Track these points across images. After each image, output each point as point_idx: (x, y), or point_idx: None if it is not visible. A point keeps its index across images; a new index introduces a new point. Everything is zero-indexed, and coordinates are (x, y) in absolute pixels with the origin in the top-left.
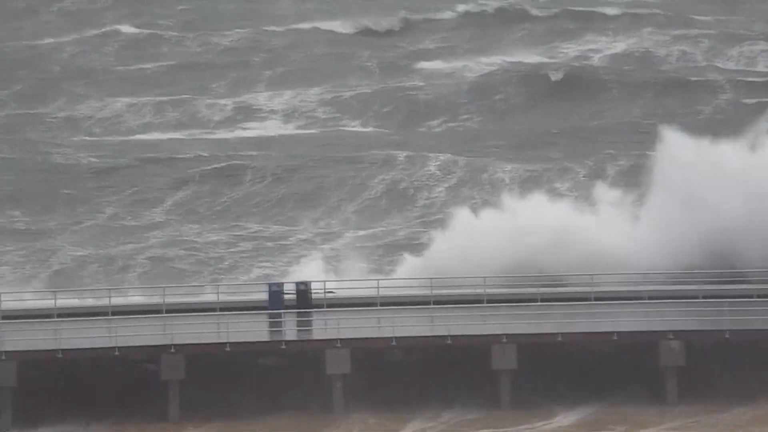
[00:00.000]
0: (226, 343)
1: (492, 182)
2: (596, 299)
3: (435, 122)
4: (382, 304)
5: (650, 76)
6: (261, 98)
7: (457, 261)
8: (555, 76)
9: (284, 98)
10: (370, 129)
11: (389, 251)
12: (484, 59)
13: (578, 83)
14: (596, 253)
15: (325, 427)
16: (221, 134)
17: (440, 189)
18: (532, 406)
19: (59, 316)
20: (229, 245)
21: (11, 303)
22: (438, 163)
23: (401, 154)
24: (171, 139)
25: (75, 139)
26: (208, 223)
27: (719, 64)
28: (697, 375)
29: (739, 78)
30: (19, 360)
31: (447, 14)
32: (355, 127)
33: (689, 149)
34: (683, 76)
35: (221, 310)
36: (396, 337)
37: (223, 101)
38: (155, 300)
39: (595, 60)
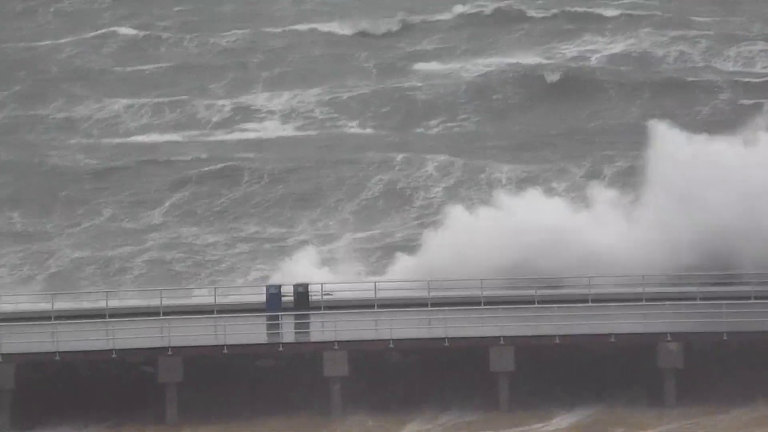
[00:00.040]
0: (223, 346)
1: (490, 183)
2: (594, 301)
3: (433, 122)
4: (379, 306)
5: (648, 76)
6: (259, 99)
7: (452, 260)
8: (551, 77)
9: (282, 99)
10: (368, 130)
11: (385, 252)
12: (481, 60)
13: (576, 84)
14: (592, 252)
15: (323, 429)
16: (219, 135)
17: (438, 189)
18: (530, 408)
19: (57, 318)
20: (227, 247)
21: (9, 305)
22: (436, 164)
23: (399, 156)
24: (169, 140)
25: (73, 140)
26: (206, 225)
27: (717, 65)
28: (695, 377)
29: (737, 78)
30: (17, 362)
31: (445, 15)
32: (353, 128)
33: (682, 144)
34: (681, 76)
35: (219, 312)
36: (394, 339)
37: (221, 102)
38: (153, 302)
39: (593, 61)
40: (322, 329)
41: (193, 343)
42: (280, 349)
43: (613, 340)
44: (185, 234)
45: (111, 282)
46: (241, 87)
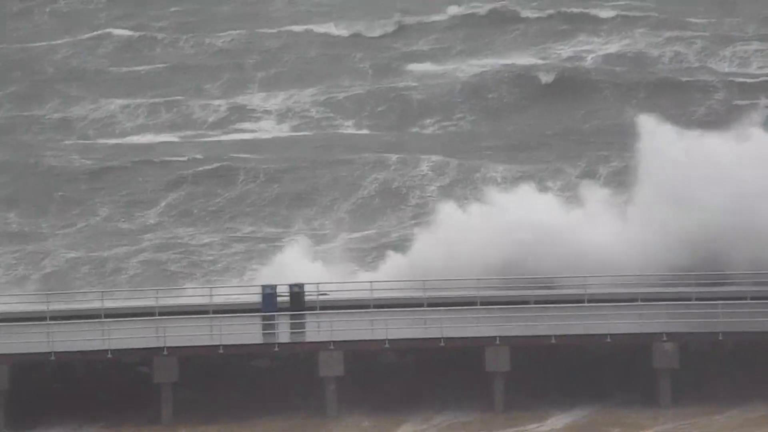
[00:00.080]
0: (219, 346)
1: (485, 182)
2: (589, 301)
3: (428, 122)
4: (375, 306)
5: (643, 77)
6: (255, 99)
7: (443, 258)
8: (546, 78)
9: (278, 99)
10: (363, 130)
11: (380, 251)
12: (476, 61)
13: (571, 84)
14: (584, 249)
15: (319, 429)
16: (215, 135)
17: (433, 188)
18: (525, 409)
19: (52, 318)
20: (222, 247)
21: (4, 305)
22: (431, 164)
23: (394, 155)
24: (165, 140)
25: (69, 141)
26: (202, 225)
27: (712, 65)
28: (690, 377)
29: (732, 79)
30: (12, 363)
31: (440, 16)
32: (348, 128)
33: (672, 140)
34: (676, 77)
35: (214, 312)
36: (389, 339)
37: (216, 102)
38: (148, 302)
39: (588, 61)
40: (318, 329)
41: (188, 344)
42: (276, 349)
43: (608, 340)
44: (181, 234)
45: (106, 282)
46: (236, 87)
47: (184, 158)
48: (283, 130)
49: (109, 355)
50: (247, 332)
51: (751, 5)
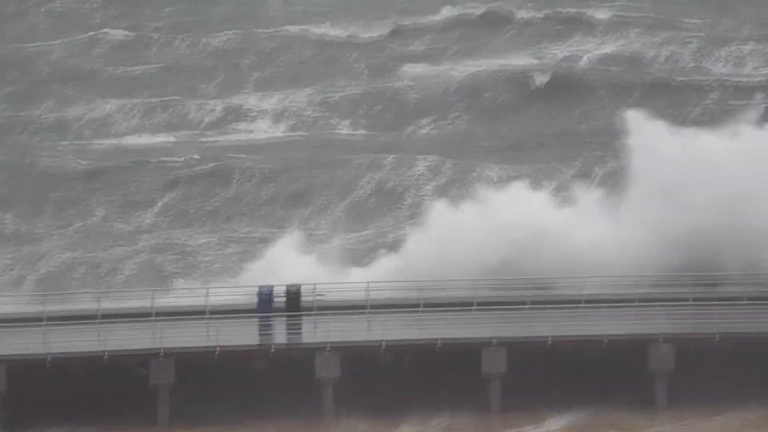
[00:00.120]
0: (215, 348)
1: (480, 183)
2: (586, 302)
3: (424, 122)
4: (371, 308)
5: (638, 77)
6: (251, 100)
7: (436, 257)
8: (541, 78)
9: (274, 100)
10: (359, 130)
11: (374, 251)
12: (471, 61)
13: (566, 85)
14: (577, 249)
15: (315, 431)
16: (211, 136)
17: (428, 188)
18: (522, 411)
19: (48, 320)
20: (219, 247)
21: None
22: (426, 164)
23: (389, 156)
24: (161, 141)
25: (64, 141)
26: (198, 226)
27: (708, 66)
28: (687, 379)
29: (727, 79)
30: (8, 365)
31: (435, 17)
32: (344, 128)
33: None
34: (671, 77)
35: (211, 314)
36: (386, 341)
37: (212, 103)
38: (144, 304)
39: (583, 62)
40: (314, 331)
41: (185, 345)
42: (272, 350)
43: (605, 342)
44: (177, 235)
45: (102, 283)
46: (232, 88)
47: (180, 159)
48: (279, 131)
49: (106, 357)
50: (244, 334)
51: (746, 6)
